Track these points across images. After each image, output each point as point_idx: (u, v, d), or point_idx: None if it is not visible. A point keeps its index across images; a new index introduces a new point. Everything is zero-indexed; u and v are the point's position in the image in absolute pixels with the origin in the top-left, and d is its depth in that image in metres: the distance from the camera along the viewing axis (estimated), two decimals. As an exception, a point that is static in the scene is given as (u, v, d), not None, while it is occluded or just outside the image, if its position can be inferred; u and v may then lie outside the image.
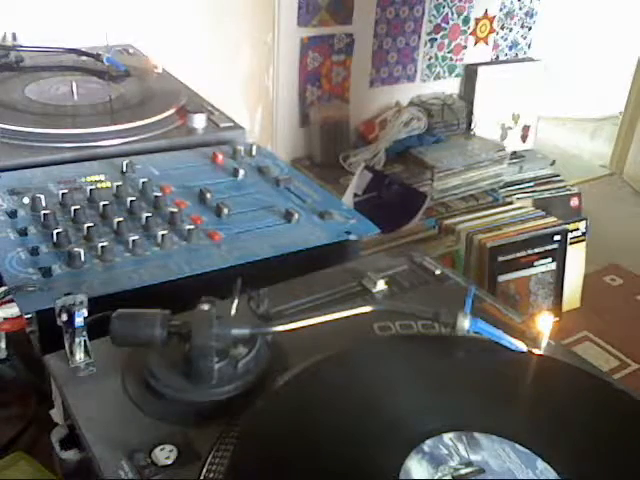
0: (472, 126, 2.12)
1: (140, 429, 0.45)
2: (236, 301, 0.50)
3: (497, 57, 2.23)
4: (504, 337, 0.51)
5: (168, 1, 1.55)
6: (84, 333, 0.50)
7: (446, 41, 2.08)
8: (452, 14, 2.05)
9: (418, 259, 0.66)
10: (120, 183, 0.75)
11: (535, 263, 1.63)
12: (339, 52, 1.89)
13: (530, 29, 2.25)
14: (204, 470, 0.42)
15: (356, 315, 0.50)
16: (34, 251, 0.63)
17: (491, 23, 2.15)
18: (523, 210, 1.76)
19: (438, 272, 0.64)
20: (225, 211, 0.72)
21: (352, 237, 0.70)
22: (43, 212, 0.68)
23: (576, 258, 1.72)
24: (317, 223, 0.72)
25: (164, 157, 0.85)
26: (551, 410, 0.47)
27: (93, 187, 0.74)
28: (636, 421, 0.46)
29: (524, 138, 2.28)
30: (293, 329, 0.49)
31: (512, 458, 0.42)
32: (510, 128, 2.24)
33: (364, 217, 0.73)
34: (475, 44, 2.15)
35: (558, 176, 2.06)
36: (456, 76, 2.16)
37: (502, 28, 2.19)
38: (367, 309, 0.51)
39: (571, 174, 2.18)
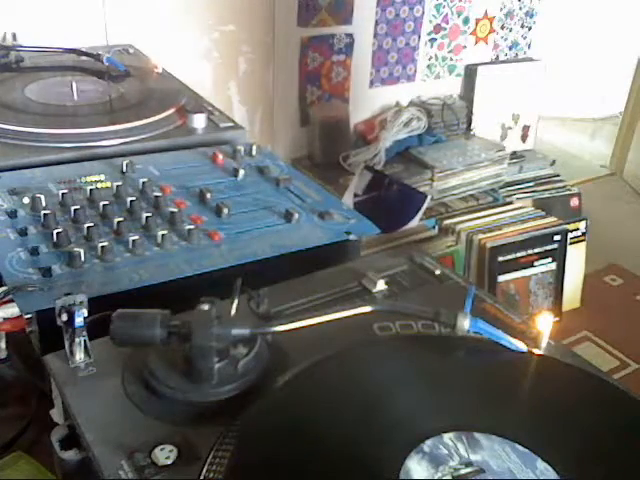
0: (472, 126, 2.12)
1: (140, 429, 0.45)
2: (236, 301, 0.50)
3: (497, 57, 2.23)
4: (504, 337, 0.51)
5: (168, 1, 1.55)
6: (84, 333, 0.50)
7: (446, 41, 2.08)
8: (452, 14, 2.04)
9: (418, 259, 0.66)
10: (120, 183, 0.75)
11: (535, 263, 1.64)
12: (339, 52, 1.89)
13: (530, 29, 2.25)
14: (204, 470, 0.42)
15: (356, 315, 0.50)
16: (34, 251, 0.63)
17: (491, 23, 2.15)
18: (523, 210, 1.76)
19: (438, 272, 0.64)
20: (225, 211, 0.72)
21: (352, 237, 0.70)
22: (43, 212, 0.68)
23: (576, 258, 1.72)
24: (317, 223, 0.72)
25: (164, 157, 0.85)
26: (551, 410, 0.47)
27: (93, 187, 0.74)
28: (636, 421, 0.46)
29: (524, 138, 2.27)
30: (293, 329, 0.49)
31: (512, 458, 0.42)
32: (510, 128, 2.24)
33: (364, 217, 0.73)
34: (475, 44, 2.15)
35: (558, 176, 2.06)
36: (456, 76, 2.16)
37: (502, 28, 2.19)
38: (367, 309, 0.51)
39: (571, 174, 2.18)
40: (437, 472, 0.41)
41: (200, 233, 0.68)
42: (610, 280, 1.83)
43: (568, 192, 1.97)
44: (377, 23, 1.91)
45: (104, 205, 0.70)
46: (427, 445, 0.42)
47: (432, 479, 0.41)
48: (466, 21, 2.09)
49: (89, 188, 0.74)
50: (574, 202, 1.95)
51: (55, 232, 0.64)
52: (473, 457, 0.42)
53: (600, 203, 2.12)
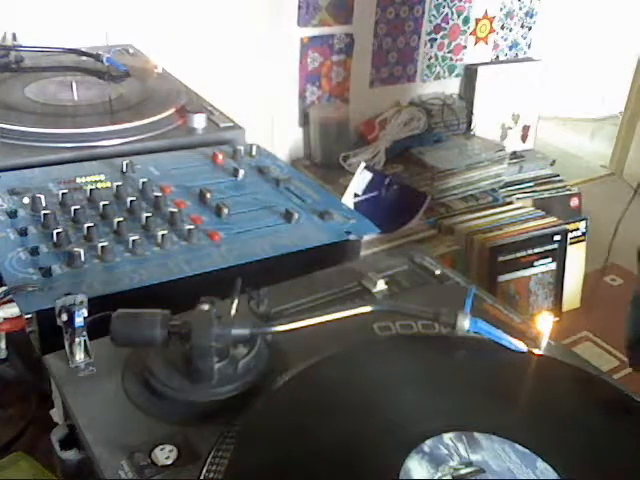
0: (472, 126, 2.12)
1: (140, 429, 0.45)
2: (236, 301, 0.50)
3: (497, 57, 2.23)
4: (504, 337, 0.51)
5: (168, 1, 1.55)
6: (84, 333, 0.50)
7: (446, 41, 2.08)
8: (452, 14, 2.05)
9: (418, 259, 0.66)
10: (120, 183, 0.75)
11: (535, 263, 1.64)
12: (339, 52, 1.89)
13: (530, 29, 2.25)
14: (204, 470, 0.42)
15: (356, 315, 0.50)
16: (34, 251, 0.63)
17: (491, 23, 2.15)
18: (523, 210, 1.76)
19: (438, 272, 0.64)
20: (225, 211, 0.72)
21: (352, 237, 0.70)
22: (43, 212, 0.68)
23: (576, 258, 1.72)
24: (317, 223, 0.72)
25: (164, 157, 0.85)
26: (551, 410, 0.47)
27: (93, 187, 0.74)
28: (635, 421, 0.46)
29: (524, 138, 2.28)
30: (293, 329, 0.49)
31: (512, 458, 0.42)
32: (510, 128, 2.24)
33: (364, 217, 0.73)
34: (475, 44, 2.15)
35: (558, 176, 2.06)
36: (456, 76, 2.16)
37: (502, 28, 2.19)
38: (367, 309, 0.51)
39: (571, 174, 2.18)
40: (437, 472, 0.41)
41: (200, 233, 0.68)
42: (610, 280, 1.83)
43: (568, 192, 1.97)
44: (377, 23, 1.92)
45: (104, 205, 0.70)
46: (427, 445, 0.42)
47: (432, 479, 0.41)
48: (466, 21, 2.09)
49: (89, 188, 0.74)
50: (574, 202, 1.95)
51: (55, 232, 0.64)
52: (473, 457, 0.42)
53: (600, 203, 2.11)
